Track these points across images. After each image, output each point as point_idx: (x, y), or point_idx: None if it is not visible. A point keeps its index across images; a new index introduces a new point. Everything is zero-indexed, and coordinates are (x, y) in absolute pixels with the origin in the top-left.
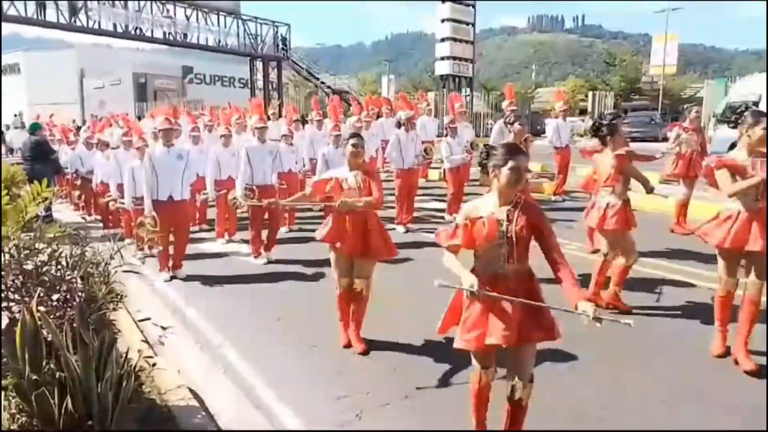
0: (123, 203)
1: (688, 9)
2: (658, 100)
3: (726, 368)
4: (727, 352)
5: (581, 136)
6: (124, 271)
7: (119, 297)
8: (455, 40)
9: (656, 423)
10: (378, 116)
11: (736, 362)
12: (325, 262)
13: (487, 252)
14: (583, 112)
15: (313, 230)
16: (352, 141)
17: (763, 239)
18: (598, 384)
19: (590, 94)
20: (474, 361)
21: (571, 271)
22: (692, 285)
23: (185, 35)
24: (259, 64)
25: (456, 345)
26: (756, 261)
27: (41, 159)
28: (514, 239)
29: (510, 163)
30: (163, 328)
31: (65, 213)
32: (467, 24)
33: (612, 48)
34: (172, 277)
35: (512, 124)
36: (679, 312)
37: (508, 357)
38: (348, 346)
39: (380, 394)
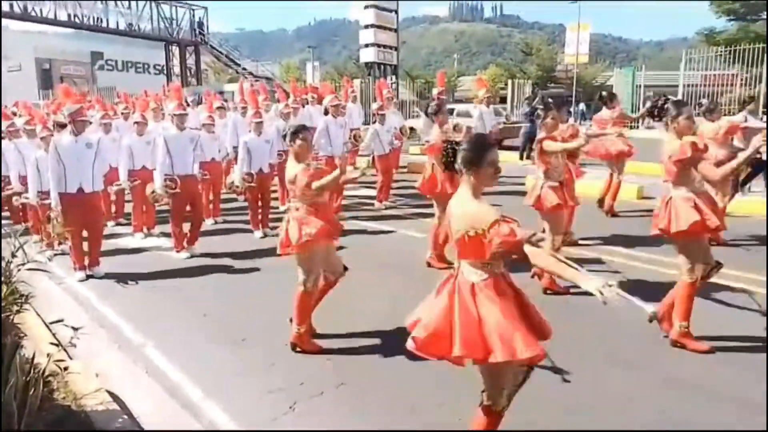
0: (27, 197)
1: (599, 0)
2: (573, 87)
3: (659, 337)
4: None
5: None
6: (29, 270)
7: (24, 298)
8: (379, 27)
9: (594, 393)
10: (304, 103)
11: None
12: (254, 254)
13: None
14: (503, 100)
15: (239, 221)
16: (300, 135)
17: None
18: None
19: (509, 82)
20: (496, 396)
21: None
22: (619, 261)
23: (93, 18)
24: (175, 50)
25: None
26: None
27: None
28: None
29: (488, 158)
30: (75, 329)
31: None
32: (390, 11)
33: (529, 38)
34: (89, 276)
35: (435, 114)
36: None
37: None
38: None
39: (314, 384)
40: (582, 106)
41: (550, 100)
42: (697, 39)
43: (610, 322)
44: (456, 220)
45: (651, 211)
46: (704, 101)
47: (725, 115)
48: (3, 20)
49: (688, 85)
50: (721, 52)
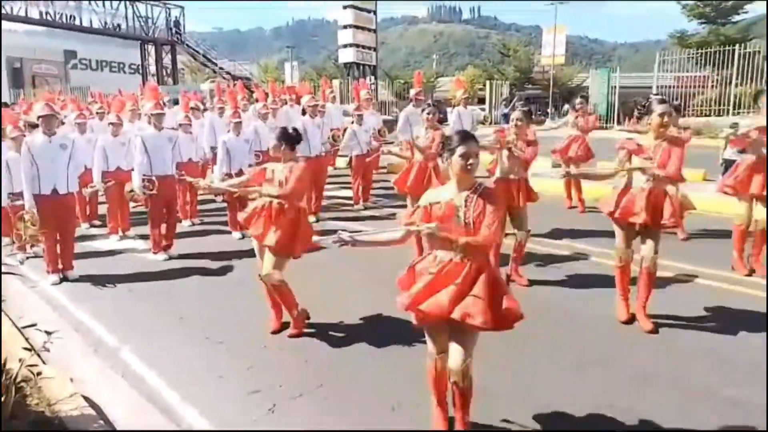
0: None
1: (574, 3)
2: (549, 88)
3: (629, 334)
4: (632, 318)
5: (482, 123)
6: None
7: None
8: (358, 27)
9: (566, 392)
10: (283, 104)
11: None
12: (232, 255)
13: (445, 239)
14: (481, 100)
15: (217, 223)
16: (285, 141)
17: (647, 213)
18: (504, 362)
19: (488, 83)
20: (429, 345)
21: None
22: (586, 257)
23: (66, 16)
24: (151, 49)
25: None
26: (649, 234)
27: None
28: (471, 225)
29: (459, 150)
30: (48, 333)
31: None
32: (369, 12)
33: (506, 39)
34: (62, 279)
35: (425, 111)
36: (579, 283)
37: (452, 334)
38: (277, 331)
39: (293, 385)
40: (566, 107)
41: (522, 101)
42: (670, 42)
43: (583, 321)
44: None
45: None
46: (675, 102)
47: (698, 116)
48: None
49: (662, 87)
50: (693, 54)
